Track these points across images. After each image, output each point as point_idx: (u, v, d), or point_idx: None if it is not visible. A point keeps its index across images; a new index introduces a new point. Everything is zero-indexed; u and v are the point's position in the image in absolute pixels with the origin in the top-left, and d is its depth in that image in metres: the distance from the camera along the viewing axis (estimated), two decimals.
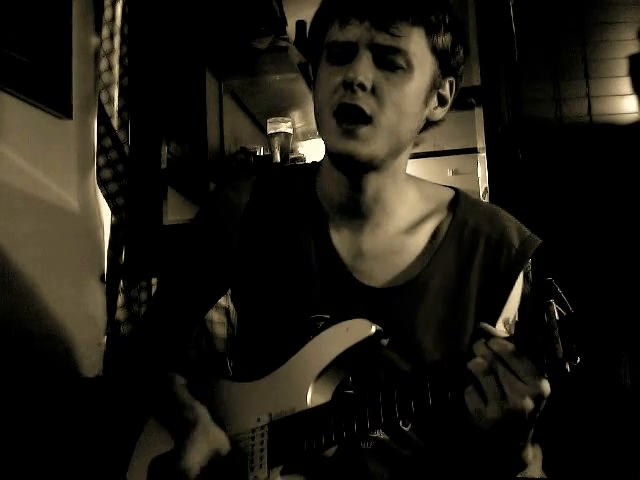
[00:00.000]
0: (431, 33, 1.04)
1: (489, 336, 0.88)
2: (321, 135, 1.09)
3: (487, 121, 2.39)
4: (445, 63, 1.08)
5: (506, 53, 2.34)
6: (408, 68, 1.03)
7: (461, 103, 2.45)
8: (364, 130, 1.03)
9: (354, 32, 1.02)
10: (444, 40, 1.06)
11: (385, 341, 1.00)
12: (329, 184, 1.15)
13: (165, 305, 1.26)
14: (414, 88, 1.05)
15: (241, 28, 2.41)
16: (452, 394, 0.88)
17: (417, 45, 1.03)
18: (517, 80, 2.37)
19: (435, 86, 1.09)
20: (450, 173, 3.00)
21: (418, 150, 2.70)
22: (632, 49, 2.51)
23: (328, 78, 1.06)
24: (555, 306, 0.83)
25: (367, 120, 1.03)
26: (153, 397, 1.19)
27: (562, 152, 2.44)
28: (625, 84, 2.51)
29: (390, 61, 1.03)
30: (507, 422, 0.87)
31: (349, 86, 1.02)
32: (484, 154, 2.42)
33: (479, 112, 2.44)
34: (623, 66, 2.51)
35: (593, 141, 2.45)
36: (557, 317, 0.82)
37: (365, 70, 1.02)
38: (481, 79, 2.38)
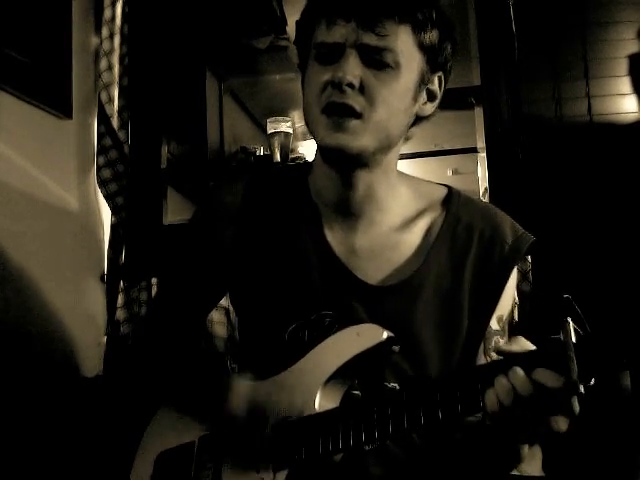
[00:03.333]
0: (418, 30, 1.04)
1: (508, 364, 0.85)
2: (311, 132, 1.09)
3: (487, 121, 2.38)
4: (433, 59, 1.08)
5: (506, 53, 2.34)
6: (396, 66, 1.03)
7: (461, 103, 2.45)
8: (354, 123, 1.03)
9: (341, 32, 1.03)
10: (431, 36, 1.06)
11: (397, 348, 0.99)
12: (321, 182, 1.15)
13: (165, 309, 1.26)
14: (402, 85, 1.05)
15: (241, 28, 2.41)
16: (462, 408, 0.86)
17: (404, 43, 1.03)
18: (517, 80, 2.37)
19: (424, 82, 1.09)
20: (450, 173, 3.00)
21: (418, 150, 2.68)
22: (632, 48, 2.50)
23: (316, 77, 1.06)
24: (572, 325, 0.80)
25: (357, 115, 1.03)
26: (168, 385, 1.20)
27: (562, 152, 2.43)
28: (625, 84, 2.50)
29: (378, 60, 1.03)
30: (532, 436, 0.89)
31: (337, 86, 1.02)
32: (484, 154, 2.42)
33: (479, 112, 2.43)
34: (623, 66, 2.51)
35: (593, 141, 2.44)
36: (574, 337, 0.79)
37: (353, 69, 1.02)
38: (481, 79, 2.38)
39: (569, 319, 0.81)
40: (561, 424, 0.85)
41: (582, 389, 0.78)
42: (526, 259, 1.88)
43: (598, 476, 1.57)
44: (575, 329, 0.80)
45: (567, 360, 0.78)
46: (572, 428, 0.86)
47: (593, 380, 0.79)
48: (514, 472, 1.08)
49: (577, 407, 0.80)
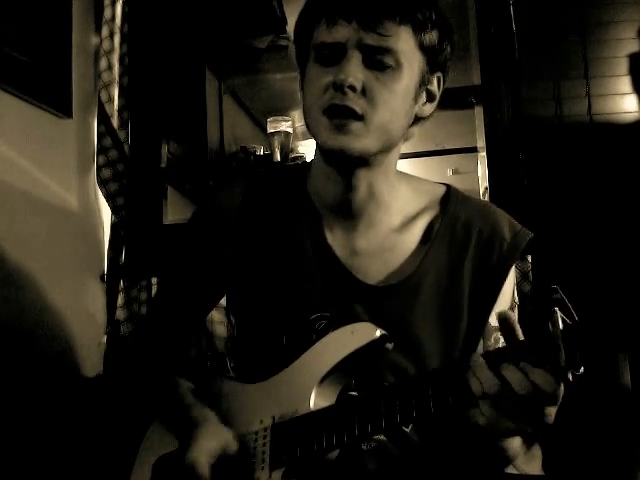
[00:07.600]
0: (418, 31, 1.05)
1: (498, 360, 0.86)
2: (312, 133, 1.09)
3: (487, 120, 2.38)
4: (433, 59, 1.08)
5: (506, 53, 2.34)
6: (397, 67, 1.03)
7: (461, 102, 2.45)
8: (356, 125, 1.03)
9: (342, 33, 1.02)
10: (431, 37, 1.06)
11: (390, 345, 1.00)
12: (321, 183, 1.15)
13: (163, 310, 1.26)
14: (403, 86, 1.05)
15: (241, 28, 2.41)
16: (453, 400, 0.88)
17: (405, 43, 1.04)
18: (517, 79, 2.37)
19: (424, 82, 1.09)
20: (450, 172, 2.99)
21: (418, 149, 2.68)
22: (632, 48, 2.50)
23: (317, 79, 1.06)
24: (559, 314, 0.81)
25: (359, 118, 1.03)
26: (158, 400, 1.18)
27: (562, 151, 2.43)
28: (625, 83, 2.50)
29: (379, 61, 1.03)
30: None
31: (339, 88, 1.02)
32: (484, 153, 2.42)
33: (479, 111, 2.43)
34: (623, 65, 2.51)
35: (593, 140, 2.44)
36: (561, 325, 0.81)
37: (355, 71, 1.02)
38: (481, 78, 2.38)
39: (556, 309, 0.82)
40: (549, 415, 0.86)
41: (570, 377, 0.80)
42: (526, 259, 1.88)
43: (598, 476, 1.57)
44: (563, 318, 0.82)
45: (555, 349, 0.80)
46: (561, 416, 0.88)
47: (582, 368, 0.80)
48: (513, 471, 1.08)
49: (561, 393, 0.83)
